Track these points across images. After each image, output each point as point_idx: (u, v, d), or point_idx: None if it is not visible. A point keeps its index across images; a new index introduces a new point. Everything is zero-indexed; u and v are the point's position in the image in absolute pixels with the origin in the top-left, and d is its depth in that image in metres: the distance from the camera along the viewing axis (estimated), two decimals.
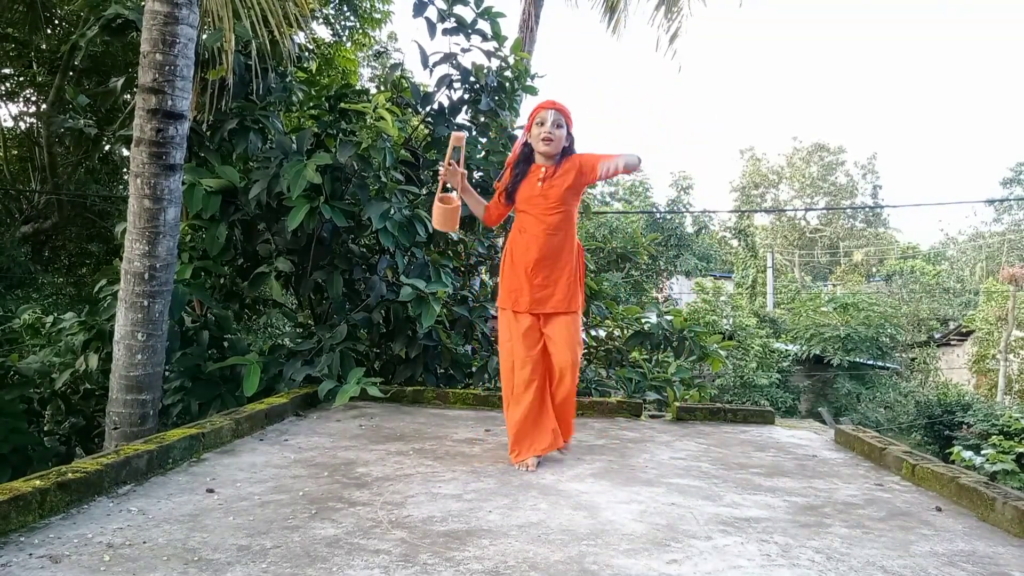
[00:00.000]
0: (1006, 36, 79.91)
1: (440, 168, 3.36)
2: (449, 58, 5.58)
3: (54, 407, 4.91)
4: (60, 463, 3.79)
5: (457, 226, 3.44)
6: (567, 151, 3.29)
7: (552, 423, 3.25)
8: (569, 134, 3.29)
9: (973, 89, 79.81)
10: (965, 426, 14.15)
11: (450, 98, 5.73)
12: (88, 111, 10.70)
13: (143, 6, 4.00)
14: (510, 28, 9.12)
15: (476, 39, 5.61)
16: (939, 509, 2.76)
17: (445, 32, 5.52)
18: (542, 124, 3.22)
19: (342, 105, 5.11)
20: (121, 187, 12.23)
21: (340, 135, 4.98)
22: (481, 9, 5.46)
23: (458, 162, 3.32)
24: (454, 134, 3.27)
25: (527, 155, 3.34)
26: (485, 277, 6.52)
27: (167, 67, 3.90)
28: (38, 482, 2.31)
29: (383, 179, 4.90)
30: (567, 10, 10.76)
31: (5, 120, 12.80)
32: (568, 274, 3.28)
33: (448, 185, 3.44)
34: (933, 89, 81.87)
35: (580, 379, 5.63)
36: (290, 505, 2.50)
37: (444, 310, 5.12)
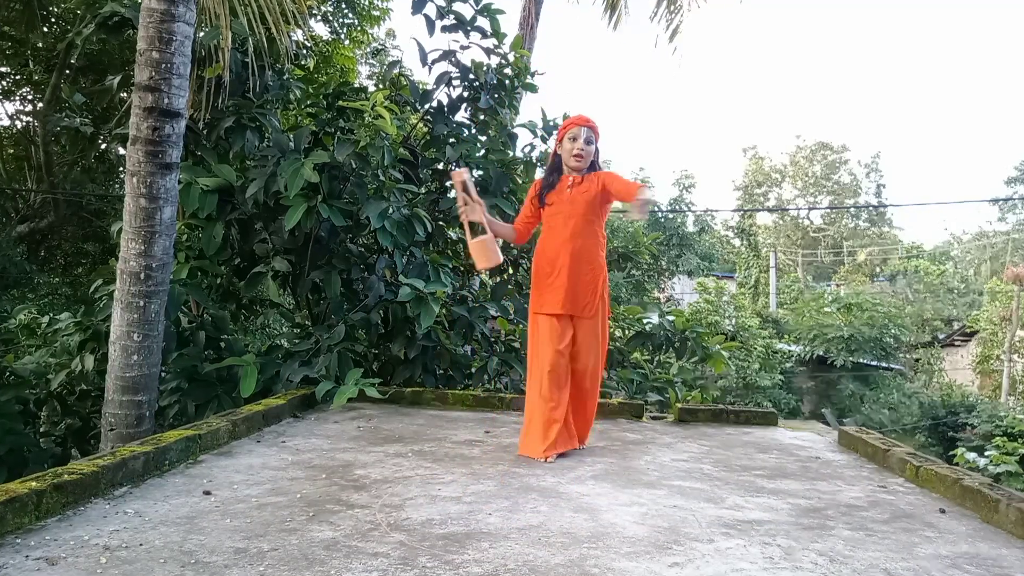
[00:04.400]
0: (1010, 35, 79.94)
1: (459, 211, 3.46)
2: (448, 55, 5.55)
3: (50, 408, 4.89)
4: (56, 464, 3.76)
5: (500, 257, 3.51)
6: (593, 165, 3.51)
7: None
8: (597, 150, 3.51)
9: (977, 88, 79.84)
10: (969, 427, 14.12)
11: (449, 96, 5.70)
12: (84, 109, 10.65)
13: (140, 4, 3.98)
14: (510, 25, 9.11)
15: (475, 36, 5.58)
16: (943, 511, 2.73)
17: (444, 29, 5.49)
18: (574, 140, 3.43)
19: (340, 103, 5.08)
20: (117, 186, 12.18)
21: (338, 133, 4.95)
22: (480, 6, 5.43)
23: (470, 196, 3.44)
24: (454, 173, 3.47)
25: (557, 165, 3.54)
26: (485, 277, 6.48)
27: (163, 65, 3.87)
28: (34, 484, 2.28)
29: (381, 178, 4.87)
30: (568, 7, 10.73)
31: (1, 119, 12.81)
32: (598, 281, 3.43)
33: (472, 223, 3.52)
34: (937, 87, 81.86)
35: None
36: (287, 507, 2.47)
37: (443, 310, 5.09)
